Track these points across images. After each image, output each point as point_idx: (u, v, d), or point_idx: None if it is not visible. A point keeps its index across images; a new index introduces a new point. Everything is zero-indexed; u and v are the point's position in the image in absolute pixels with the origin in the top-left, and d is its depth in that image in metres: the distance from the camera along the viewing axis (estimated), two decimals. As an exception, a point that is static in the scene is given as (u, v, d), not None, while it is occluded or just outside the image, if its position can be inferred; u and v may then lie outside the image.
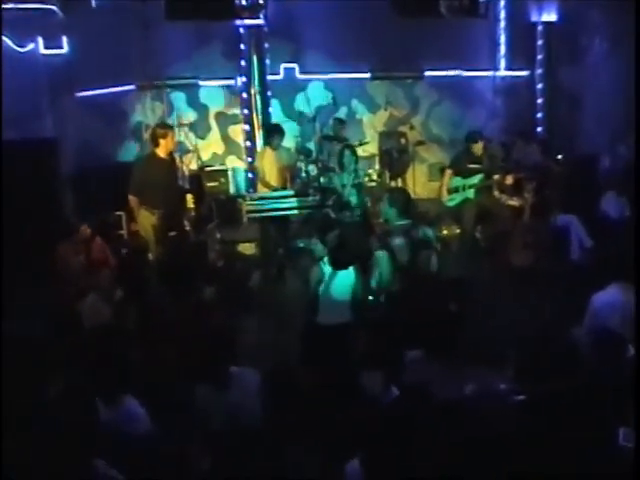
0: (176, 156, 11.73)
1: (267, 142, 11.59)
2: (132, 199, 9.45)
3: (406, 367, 5.70)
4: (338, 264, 7.03)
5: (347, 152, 10.75)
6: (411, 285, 7.25)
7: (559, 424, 4.58)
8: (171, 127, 10.07)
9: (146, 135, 12.05)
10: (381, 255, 7.22)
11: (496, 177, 10.83)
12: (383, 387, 5.30)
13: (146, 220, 9.48)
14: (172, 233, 9.79)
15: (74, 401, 4.84)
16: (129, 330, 7.83)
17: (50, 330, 7.42)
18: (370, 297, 7.19)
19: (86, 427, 4.67)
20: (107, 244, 9.30)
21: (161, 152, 9.53)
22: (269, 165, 11.10)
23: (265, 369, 5.61)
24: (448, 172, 11.13)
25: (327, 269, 7.04)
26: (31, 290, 8.68)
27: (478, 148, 10.83)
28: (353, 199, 10.37)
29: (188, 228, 10.87)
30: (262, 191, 11.16)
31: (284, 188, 11.39)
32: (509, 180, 10.77)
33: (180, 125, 13.35)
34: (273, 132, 11.48)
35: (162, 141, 9.48)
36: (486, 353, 6.29)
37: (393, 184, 13.50)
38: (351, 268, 7.06)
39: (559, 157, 13.09)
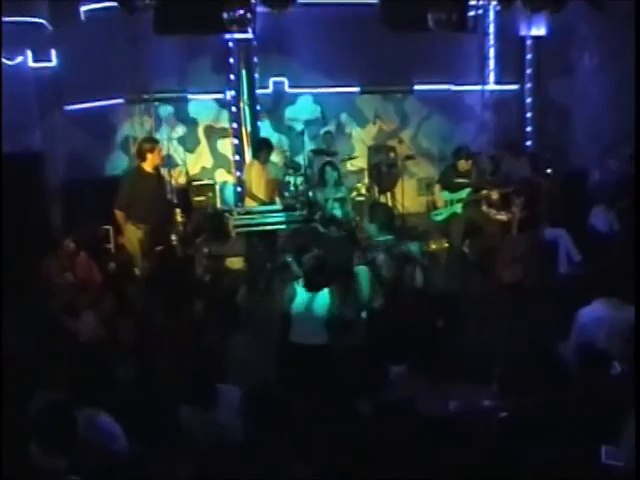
0: (165, 170, 11.73)
1: (255, 156, 11.62)
2: (118, 213, 9.41)
3: (390, 383, 5.69)
4: (311, 287, 7.00)
5: (328, 168, 10.78)
6: (394, 301, 7.22)
7: (542, 441, 4.57)
8: (157, 141, 10.05)
9: (133, 149, 12.01)
10: (361, 270, 7.18)
11: (484, 191, 10.82)
12: (367, 404, 5.29)
13: (132, 234, 9.44)
14: (159, 247, 9.75)
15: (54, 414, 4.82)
16: (114, 345, 7.82)
17: (34, 343, 7.40)
18: (349, 316, 7.15)
19: (65, 440, 4.66)
20: (93, 258, 9.27)
21: (147, 166, 9.50)
22: (257, 179, 11.11)
23: (248, 386, 5.58)
24: (437, 187, 11.13)
25: (300, 289, 7.01)
26: (16, 304, 8.62)
27: (464, 165, 10.82)
28: (337, 214, 10.35)
29: (175, 242, 10.84)
30: (250, 204, 11.16)
31: (272, 202, 11.38)
32: (497, 194, 10.75)
33: (168, 139, 13.32)
34: (262, 146, 11.51)
35: (148, 155, 9.45)
36: (472, 369, 6.27)
37: (382, 198, 13.45)
38: (326, 290, 7.02)
39: (548, 171, 13.09)
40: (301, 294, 6.98)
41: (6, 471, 4.20)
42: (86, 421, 4.93)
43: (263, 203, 11.01)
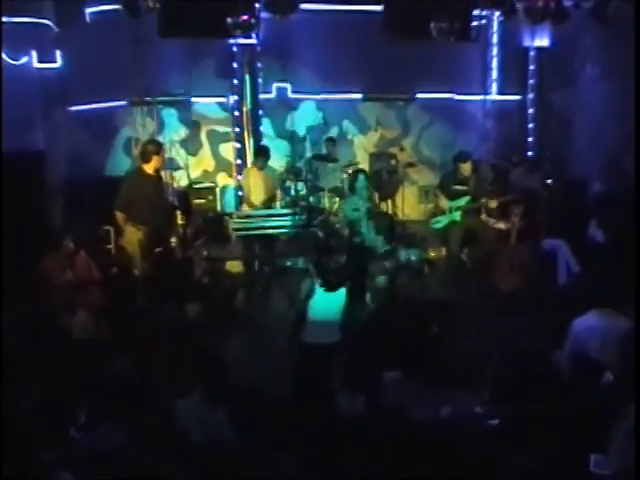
0: (167, 172, 11.75)
1: (254, 162, 11.68)
2: (118, 215, 9.47)
3: (383, 388, 5.71)
4: (331, 286, 7.06)
5: (361, 177, 10.75)
6: (390, 307, 7.28)
7: (532, 448, 4.58)
8: (159, 144, 10.08)
9: (136, 151, 12.05)
10: (379, 280, 7.27)
11: (483, 200, 10.84)
12: (361, 407, 5.32)
13: (132, 236, 9.49)
14: (158, 249, 9.78)
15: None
16: (111, 345, 7.84)
17: (31, 343, 7.40)
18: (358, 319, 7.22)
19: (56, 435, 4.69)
20: (92, 258, 9.29)
21: (149, 169, 9.55)
22: (255, 184, 11.16)
23: (246, 387, 5.61)
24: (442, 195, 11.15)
25: (318, 289, 7.07)
26: (15, 303, 8.63)
27: (466, 168, 10.83)
28: (364, 224, 10.35)
29: (174, 245, 10.86)
30: (247, 210, 11.21)
31: (269, 208, 11.41)
32: (496, 203, 10.78)
33: (171, 142, 13.36)
34: (260, 153, 11.59)
35: (150, 158, 9.51)
36: (466, 376, 6.29)
37: (383, 205, 13.46)
38: (342, 290, 7.09)
39: (549, 181, 13.11)
40: (317, 294, 7.06)
41: (6, 471, 4.23)
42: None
43: (258, 209, 11.06)
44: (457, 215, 10.79)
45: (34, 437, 4.66)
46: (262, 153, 11.54)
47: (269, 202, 11.42)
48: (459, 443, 4.77)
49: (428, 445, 4.63)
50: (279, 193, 12.55)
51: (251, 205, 11.11)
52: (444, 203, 11.00)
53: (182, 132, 13.95)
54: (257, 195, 11.14)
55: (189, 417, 5.45)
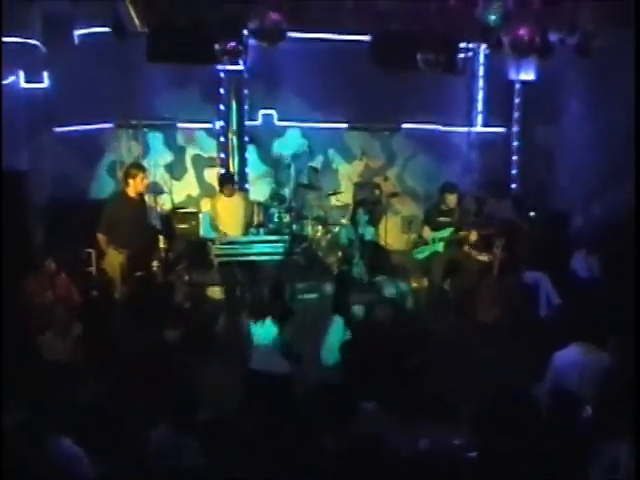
0: (151, 196, 11.71)
1: (219, 190, 11.55)
2: (100, 237, 9.44)
3: (360, 419, 5.69)
4: (255, 316, 7.28)
5: (361, 210, 10.80)
6: (369, 338, 7.27)
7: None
8: (143, 168, 10.05)
9: (120, 174, 12.04)
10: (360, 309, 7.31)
11: (466, 231, 10.87)
12: (335, 439, 5.28)
13: (114, 259, 9.45)
14: (139, 273, 9.74)
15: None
16: (87, 368, 7.78)
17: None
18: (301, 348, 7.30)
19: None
20: (73, 280, 9.24)
21: (131, 192, 9.54)
22: (222, 212, 11.04)
23: (223, 414, 5.58)
24: (426, 228, 11.15)
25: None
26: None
27: (452, 200, 10.88)
28: (355, 253, 10.43)
29: (156, 269, 10.80)
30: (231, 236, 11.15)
31: (243, 235, 11.30)
32: (478, 235, 10.80)
33: (155, 166, 13.34)
34: (224, 181, 11.47)
35: (132, 181, 9.51)
36: (445, 408, 6.27)
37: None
38: (268, 320, 7.22)
39: (531, 214, 13.17)
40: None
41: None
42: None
43: (227, 236, 10.97)
44: (440, 246, 10.83)
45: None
46: (227, 181, 11.43)
47: (243, 229, 11.23)
48: (437, 476, 4.75)
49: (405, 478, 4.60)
50: (259, 219, 12.53)
51: (219, 232, 11.01)
52: (427, 233, 11.04)
53: (167, 156, 13.95)
54: (226, 223, 10.99)
55: (164, 444, 5.40)
